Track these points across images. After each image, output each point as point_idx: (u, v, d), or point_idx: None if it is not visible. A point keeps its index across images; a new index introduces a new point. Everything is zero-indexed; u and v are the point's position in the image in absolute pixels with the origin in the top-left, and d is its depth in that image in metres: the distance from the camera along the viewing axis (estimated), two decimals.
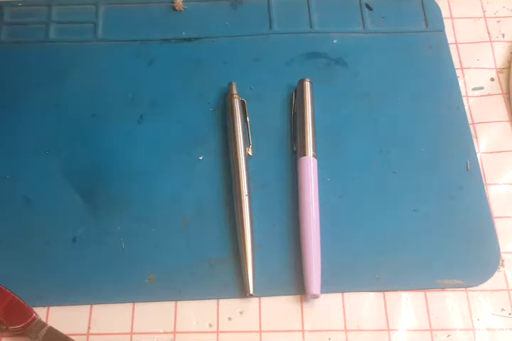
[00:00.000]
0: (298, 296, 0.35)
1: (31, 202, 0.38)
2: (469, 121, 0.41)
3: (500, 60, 0.44)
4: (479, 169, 0.39)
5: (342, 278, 0.36)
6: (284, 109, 0.41)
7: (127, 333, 0.34)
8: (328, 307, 0.35)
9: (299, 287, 0.35)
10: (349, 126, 0.41)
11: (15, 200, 0.38)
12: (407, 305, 0.35)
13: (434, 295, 0.35)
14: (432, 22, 0.45)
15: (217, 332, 0.34)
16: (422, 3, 0.46)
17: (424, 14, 0.45)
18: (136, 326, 0.34)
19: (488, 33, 0.45)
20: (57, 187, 0.38)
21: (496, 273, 0.36)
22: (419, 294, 0.35)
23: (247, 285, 0.35)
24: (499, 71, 0.44)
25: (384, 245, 0.37)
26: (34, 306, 0.35)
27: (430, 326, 0.35)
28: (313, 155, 0.38)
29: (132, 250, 0.36)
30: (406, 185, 0.39)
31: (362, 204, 0.38)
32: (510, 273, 0.36)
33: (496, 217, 0.38)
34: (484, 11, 0.46)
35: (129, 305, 0.35)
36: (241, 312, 0.35)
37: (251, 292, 0.35)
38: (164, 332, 0.34)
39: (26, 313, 0.34)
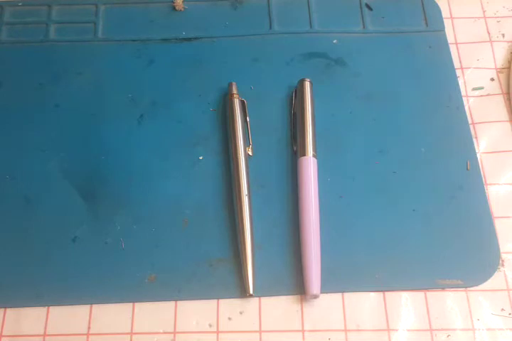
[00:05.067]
0: (298, 296, 0.35)
1: (31, 202, 0.38)
2: (469, 121, 0.41)
3: (500, 60, 0.44)
4: (479, 169, 0.39)
5: (342, 278, 0.36)
6: (284, 109, 0.41)
7: (127, 333, 0.34)
8: (328, 307, 0.35)
9: (298, 287, 0.35)
10: (349, 126, 0.41)
11: (15, 200, 0.38)
12: (407, 305, 0.35)
13: (434, 295, 0.35)
14: (431, 22, 0.45)
15: (217, 332, 0.34)
16: (422, 3, 0.46)
17: (424, 14, 0.45)
18: (136, 326, 0.34)
19: (488, 33, 0.45)
20: (57, 187, 0.38)
21: (496, 273, 0.36)
22: (419, 294, 0.35)
23: (247, 285, 0.35)
24: (499, 71, 0.44)
25: (384, 245, 0.37)
26: (34, 306, 0.35)
27: (430, 326, 0.35)
28: (313, 155, 0.38)
29: (132, 250, 0.36)
30: (406, 185, 0.39)
31: (362, 204, 0.38)
32: (510, 273, 0.36)
33: (496, 217, 0.38)
34: (484, 11, 0.46)
35: (129, 305, 0.35)
36: (241, 312, 0.35)
37: (251, 292, 0.35)
38: (164, 332, 0.34)
39: None
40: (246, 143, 0.39)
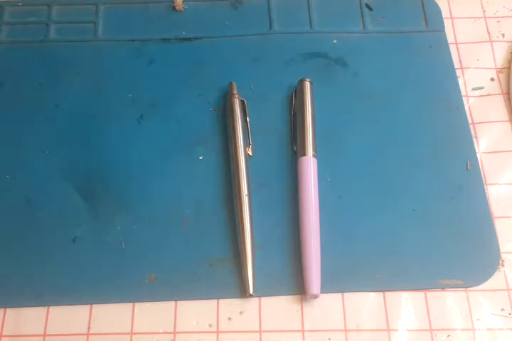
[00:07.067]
0: (298, 296, 0.35)
1: (31, 202, 0.38)
2: (469, 121, 0.41)
3: (500, 60, 0.44)
4: (479, 169, 0.39)
5: (342, 278, 0.36)
6: (284, 109, 0.41)
7: (127, 333, 0.34)
8: (328, 307, 0.35)
9: (299, 287, 0.35)
10: (349, 126, 0.41)
11: (15, 200, 0.38)
12: (407, 305, 0.35)
13: (434, 295, 0.35)
14: (431, 22, 0.45)
15: (217, 332, 0.34)
16: (422, 3, 0.46)
17: (424, 14, 0.45)
18: (136, 326, 0.34)
19: (488, 33, 0.45)
20: (57, 187, 0.38)
21: (496, 273, 0.36)
22: (419, 294, 0.35)
23: (247, 285, 0.35)
24: (499, 71, 0.44)
25: (384, 245, 0.37)
26: (34, 306, 0.35)
27: (430, 326, 0.35)
28: (313, 155, 0.38)
29: (132, 250, 0.36)
30: (406, 185, 0.39)
31: (362, 204, 0.38)
32: (510, 273, 0.36)
33: (496, 217, 0.38)
34: (484, 11, 0.46)
35: (129, 305, 0.35)
36: (241, 312, 0.35)
37: (251, 292, 0.35)
38: (164, 332, 0.34)
39: None
40: (246, 143, 0.39)
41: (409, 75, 0.43)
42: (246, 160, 0.38)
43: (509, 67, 0.43)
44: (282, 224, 0.37)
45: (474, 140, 0.40)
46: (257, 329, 0.34)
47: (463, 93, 0.42)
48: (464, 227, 0.37)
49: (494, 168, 0.40)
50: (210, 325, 0.35)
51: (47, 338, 0.34)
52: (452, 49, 0.44)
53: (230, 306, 0.35)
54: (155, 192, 0.38)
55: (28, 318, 0.35)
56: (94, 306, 0.35)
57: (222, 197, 0.38)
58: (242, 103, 0.41)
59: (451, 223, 0.37)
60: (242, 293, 0.35)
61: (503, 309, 0.35)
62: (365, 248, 0.36)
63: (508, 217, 0.38)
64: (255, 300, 0.35)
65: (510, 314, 0.35)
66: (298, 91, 0.41)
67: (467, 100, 0.42)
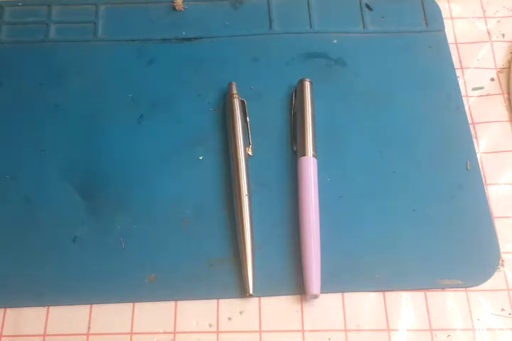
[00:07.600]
0: (298, 296, 0.35)
1: (31, 202, 0.38)
2: (469, 121, 0.41)
3: (500, 60, 0.44)
4: (479, 169, 0.39)
5: (342, 278, 0.36)
6: (284, 109, 0.41)
7: (127, 333, 0.34)
8: (328, 307, 0.35)
9: (299, 287, 0.35)
10: (349, 126, 0.41)
11: (15, 200, 0.38)
12: (407, 305, 0.35)
13: (434, 295, 0.35)
14: (431, 22, 0.45)
15: (217, 332, 0.34)
16: (422, 3, 0.46)
17: (424, 14, 0.45)
18: (136, 326, 0.34)
19: (488, 33, 0.45)
20: (57, 187, 0.38)
21: (496, 273, 0.36)
22: (419, 294, 0.35)
23: (247, 285, 0.35)
24: (499, 71, 0.44)
25: (384, 245, 0.37)
26: (34, 306, 0.35)
27: (430, 326, 0.35)
28: (313, 155, 0.38)
29: (132, 250, 0.36)
30: (406, 185, 0.39)
31: (362, 204, 0.38)
32: (510, 273, 0.36)
33: (496, 217, 0.38)
34: (484, 11, 0.46)
35: (129, 305, 0.35)
36: (241, 312, 0.35)
37: (251, 292, 0.35)
38: (164, 332, 0.34)
39: None
40: (246, 143, 0.39)
41: (409, 75, 0.43)
42: (246, 160, 0.38)
43: (509, 67, 0.43)
44: (282, 224, 0.37)
45: (474, 140, 0.40)
46: (257, 329, 0.34)
47: (463, 93, 0.42)
48: (464, 227, 0.37)
49: (494, 168, 0.40)
50: (210, 325, 0.35)
51: (47, 338, 0.34)
52: (452, 49, 0.44)
53: (230, 306, 0.35)
54: (155, 192, 0.38)
55: (28, 318, 0.35)
56: (94, 306, 0.35)
57: (222, 197, 0.38)
58: (242, 103, 0.41)
59: (451, 223, 0.37)
60: (242, 293, 0.35)
61: (503, 309, 0.35)
62: (365, 248, 0.36)
63: (508, 217, 0.38)
64: (255, 300, 0.35)
65: (510, 314, 0.35)
66: (298, 91, 0.41)
67: (467, 100, 0.42)
